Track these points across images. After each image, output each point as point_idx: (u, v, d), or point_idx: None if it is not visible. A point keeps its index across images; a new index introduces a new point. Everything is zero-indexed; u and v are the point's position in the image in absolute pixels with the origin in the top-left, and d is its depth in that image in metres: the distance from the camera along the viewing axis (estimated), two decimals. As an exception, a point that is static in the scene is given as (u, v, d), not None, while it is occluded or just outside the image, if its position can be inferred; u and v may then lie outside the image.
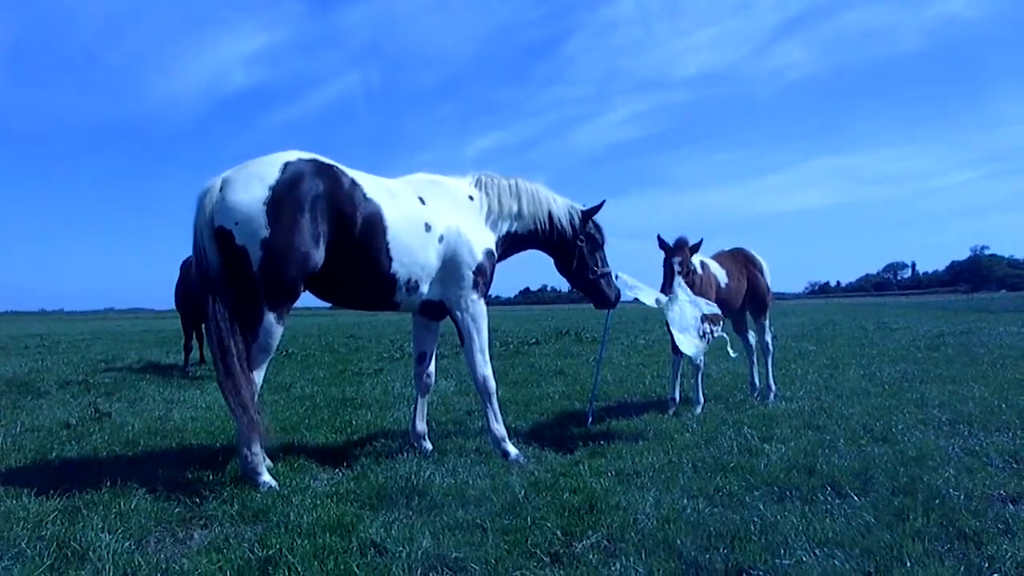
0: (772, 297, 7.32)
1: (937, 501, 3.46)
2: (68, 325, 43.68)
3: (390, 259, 4.31)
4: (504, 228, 5.04)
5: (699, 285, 6.25)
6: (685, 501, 3.60)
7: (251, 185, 3.93)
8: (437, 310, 4.82)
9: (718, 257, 6.99)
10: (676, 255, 5.99)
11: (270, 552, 2.95)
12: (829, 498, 3.60)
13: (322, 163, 4.19)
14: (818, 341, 14.36)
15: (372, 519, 3.37)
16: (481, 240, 4.76)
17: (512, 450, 4.70)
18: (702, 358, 5.95)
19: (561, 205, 5.24)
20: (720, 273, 6.68)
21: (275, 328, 4.03)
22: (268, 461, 4.32)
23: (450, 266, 4.62)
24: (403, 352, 13.27)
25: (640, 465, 4.34)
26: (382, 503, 3.67)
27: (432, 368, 5.15)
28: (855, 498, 3.59)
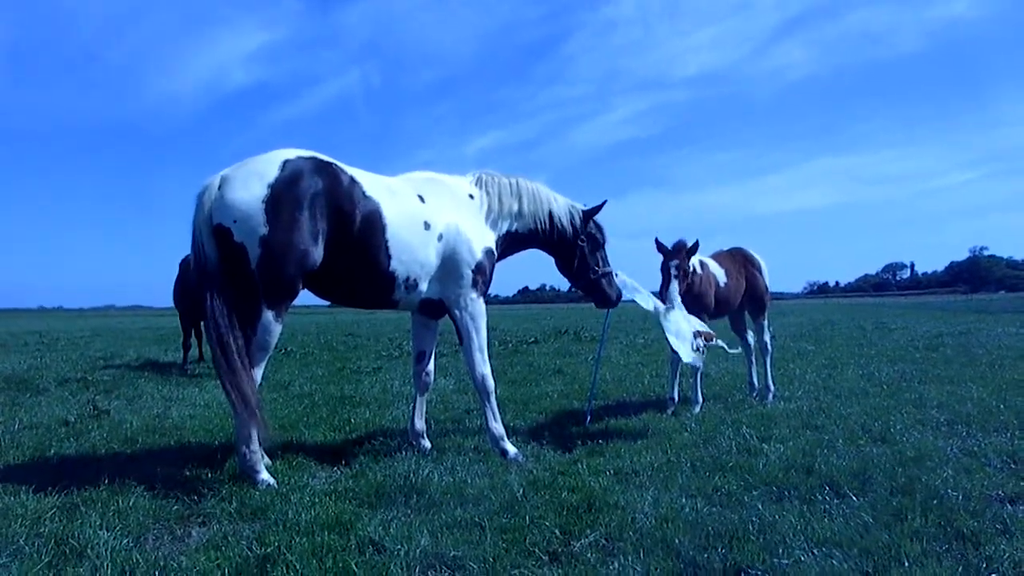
0: (771, 297, 7.33)
1: (935, 501, 3.46)
2: (67, 322, 43.57)
3: (389, 257, 4.31)
4: (504, 227, 5.03)
5: (698, 285, 6.27)
6: (683, 500, 3.60)
7: (250, 183, 3.92)
8: (436, 308, 4.81)
9: (717, 257, 7.00)
10: (673, 258, 6.00)
11: (268, 550, 2.94)
12: (827, 498, 3.60)
13: (321, 161, 4.18)
14: (817, 341, 14.38)
15: (370, 517, 3.37)
16: (481, 239, 4.75)
17: (511, 449, 4.70)
18: (700, 363, 5.96)
19: (562, 204, 5.24)
20: (719, 272, 6.69)
21: (273, 326, 4.02)
22: (267, 459, 4.32)
23: (449, 264, 4.61)
24: (402, 350, 13.27)
25: (639, 464, 4.35)
26: (380, 501, 3.66)
27: (431, 366, 5.15)
28: (853, 498, 3.59)
